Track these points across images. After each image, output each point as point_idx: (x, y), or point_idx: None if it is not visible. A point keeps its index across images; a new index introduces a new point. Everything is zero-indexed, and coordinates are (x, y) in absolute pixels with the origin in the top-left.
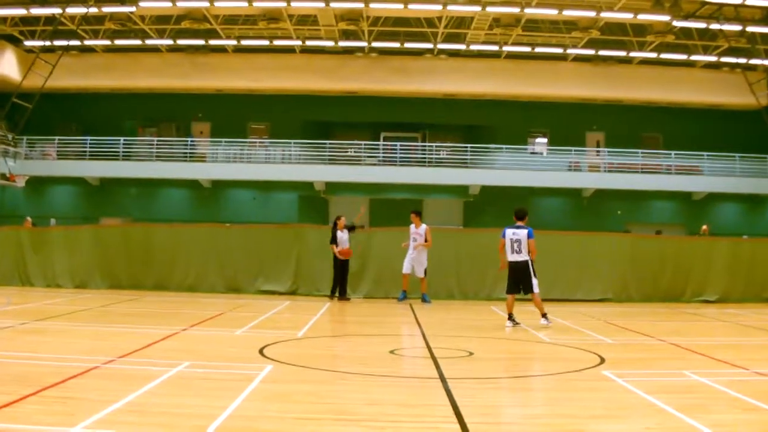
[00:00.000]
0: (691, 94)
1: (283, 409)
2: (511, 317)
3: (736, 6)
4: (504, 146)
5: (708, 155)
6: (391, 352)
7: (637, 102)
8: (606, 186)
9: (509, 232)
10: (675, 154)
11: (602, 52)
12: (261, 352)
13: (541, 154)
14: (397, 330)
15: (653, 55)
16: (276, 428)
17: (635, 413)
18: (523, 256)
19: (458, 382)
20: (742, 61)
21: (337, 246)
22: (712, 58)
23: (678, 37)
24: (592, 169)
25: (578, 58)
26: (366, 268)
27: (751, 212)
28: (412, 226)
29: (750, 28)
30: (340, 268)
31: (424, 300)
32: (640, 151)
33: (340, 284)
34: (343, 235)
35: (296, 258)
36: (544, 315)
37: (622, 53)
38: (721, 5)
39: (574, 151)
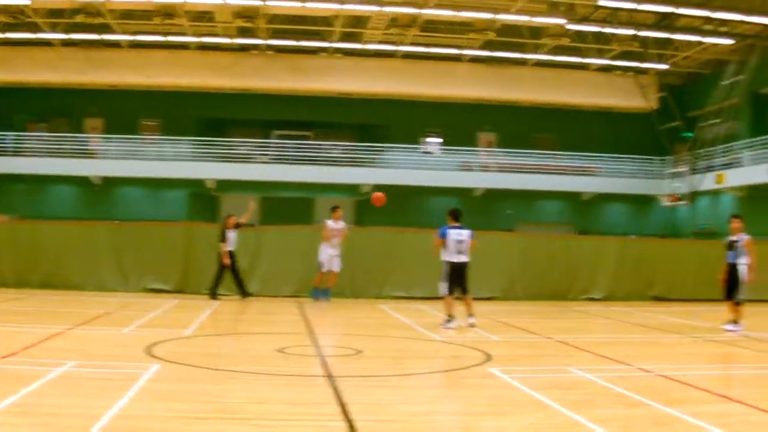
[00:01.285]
0: (584, 97)
1: (170, 408)
2: (451, 318)
3: (629, 11)
4: (397, 145)
5: (599, 156)
6: (279, 350)
7: (530, 103)
8: (497, 186)
9: (454, 233)
10: (566, 154)
11: (498, 54)
12: (148, 351)
13: (434, 153)
14: (286, 328)
15: (548, 57)
16: (162, 427)
17: (521, 409)
18: (466, 257)
19: (346, 380)
20: (635, 64)
21: (226, 245)
22: (606, 62)
23: (572, 40)
24: (484, 169)
25: (474, 59)
26: (256, 266)
27: (639, 213)
28: (331, 221)
29: (643, 33)
30: (228, 267)
31: (325, 297)
32: (531, 151)
33: (238, 283)
34: (233, 234)
35: (185, 256)
36: (471, 315)
37: (517, 55)
38: (615, 9)
39: (467, 151)
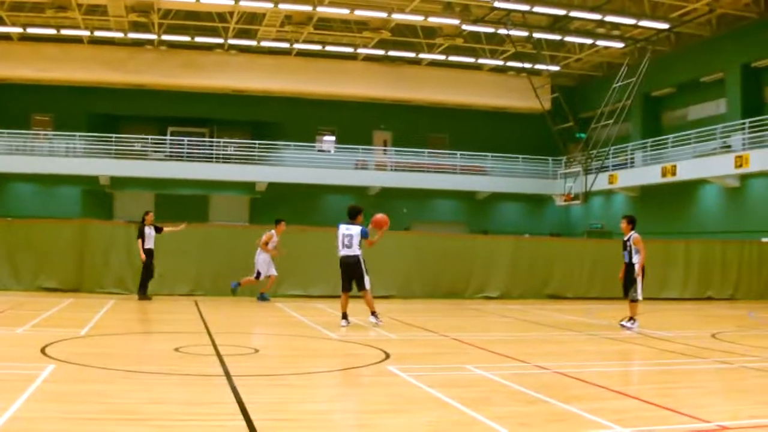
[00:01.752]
0: (478, 97)
1: (65, 409)
2: (345, 316)
3: (523, 12)
4: (292, 143)
5: (493, 156)
6: (176, 349)
7: (425, 103)
8: (392, 184)
9: (343, 227)
10: (460, 154)
11: (392, 53)
12: (43, 351)
13: (329, 152)
14: (183, 327)
15: (442, 57)
16: (57, 429)
17: (419, 407)
18: (354, 251)
19: (244, 379)
20: (528, 66)
21: (144, 242)
22: (499, 62)
23: (467, 41)
24: (379, 168)
25: (368, 58)
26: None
27: (533, 212)
28: (274, 232)
29: (536, 35)
30: (147, 265)
31: (263, 299)
32: (426, 150)
33: (142, 282)
34: (151, 232)
35: (80, 254)
36: (373, 313)
37: (411, 54)
38: (510, 11)
39: (362, 149)
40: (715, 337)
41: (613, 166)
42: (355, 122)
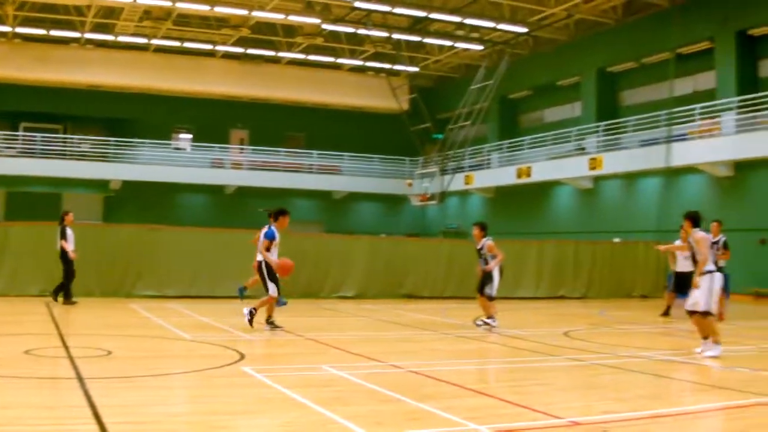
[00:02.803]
0: (337, 96)
1: None
2: (269, 320)
3: (384, 13)
4: (147, 141)
5: (350, 156)
6: (26, 352)
7: (283, 101)
8: (249, 183)
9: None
10: (317, 153)
11: (251, 51)
12: None
13: (185, 150)
14: (33, 329)
15: (302, 56)
16: None
17: (275, 408)
18: (259, 257)
19: (97, 381)
20: (387, 66)
21: (67, 242)
22: (359, 62)
23: (327, 40)
24: (235, 167)
25: (227, 56)
26: (1, 264)
27: (390, 212)
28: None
29: (396, 36)
30: (70, 267)
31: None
32: (283, 149)
33: (65, 286)
34: (71, 232)
35: None
36: (268, 319)
37: (271, 53)
38: (370, 11)
39: (218, 147)
40: (567, 335)
41: (469, 167)
42: (212, 120)
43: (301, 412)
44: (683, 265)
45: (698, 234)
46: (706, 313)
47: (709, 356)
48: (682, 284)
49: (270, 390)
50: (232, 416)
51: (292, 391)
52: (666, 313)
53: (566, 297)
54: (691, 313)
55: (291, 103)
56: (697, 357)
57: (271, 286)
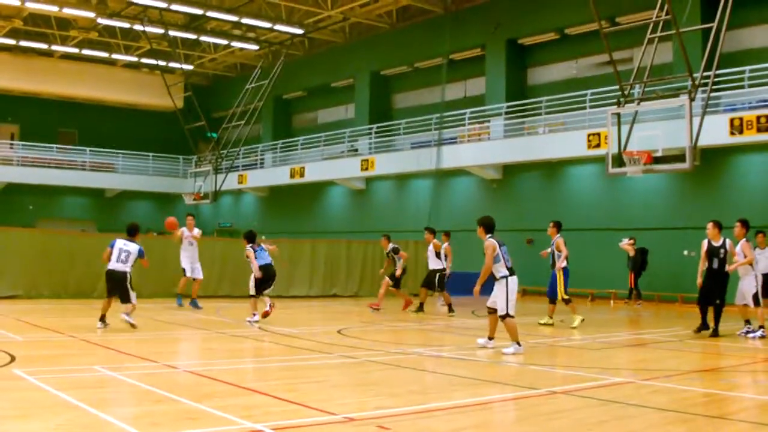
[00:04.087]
0: (111, 92)
1: None
2: (103, 318)
3: (160, 9)
4: None
5: (123, 153)
6: None
7: (55, 96)
8: (18, 180)
9: (120, 242)
10: (90, 150)
11: (24, 43)
12: None
13: None
14: None
15: (75, 50)
16: None
17: (47, 411)
18: (126, 268)
19: None
20: (162, 63)
21: None
22: (134, 59)
23: (102, 35)
24: (5, 163)
25: None
26: None
27: (163, 210)
28: (185, 229)
29: (172, 33)
30: None
31: (196, 306)
32: (55, 146)
33: None
34: None
35: None
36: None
37: (44, 46)
38: (147, 7)
39: None
40: (341, 332)
41: (243, 166)
42: None
43: (74, 414)
44: (434, 263)
45: (488, 241)
46: (506, 316)
47: (509, 353)
48: (432, 282)
49: (42, 393)
50: (2, 420)
51: (65, 394)
52: (420, 309)
53: (339, 295)
54: (492, 311)
55: (64, 98)
56: (472, 353)
57: (133, 295)
